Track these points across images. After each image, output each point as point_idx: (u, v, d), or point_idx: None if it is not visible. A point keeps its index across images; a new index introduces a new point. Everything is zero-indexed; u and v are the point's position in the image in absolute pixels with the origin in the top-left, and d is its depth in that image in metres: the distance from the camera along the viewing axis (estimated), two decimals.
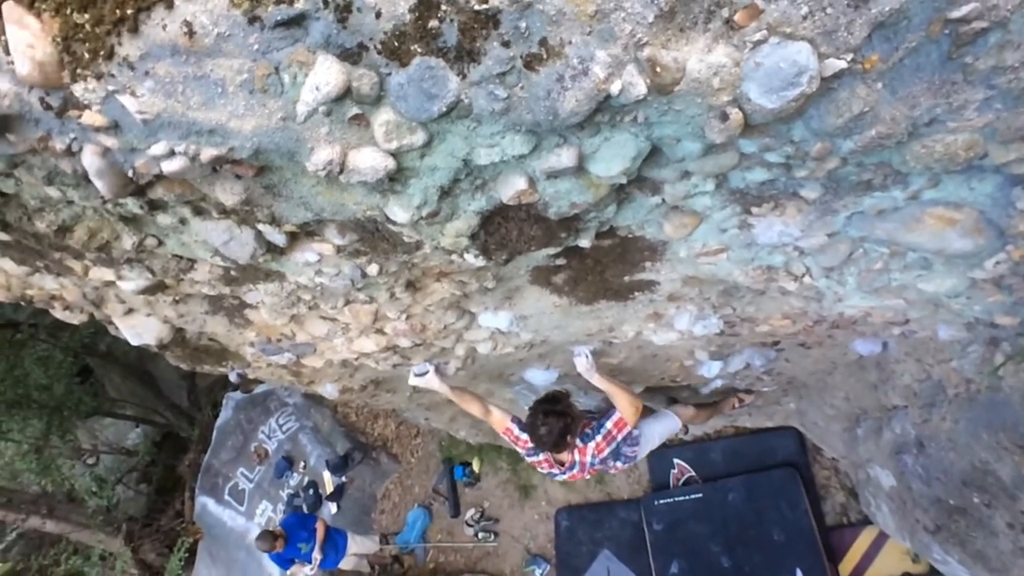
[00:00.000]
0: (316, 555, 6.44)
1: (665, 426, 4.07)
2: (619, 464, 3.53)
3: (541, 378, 4.08)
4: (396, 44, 1.31)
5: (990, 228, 1.84)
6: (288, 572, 7.28)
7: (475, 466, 7.87)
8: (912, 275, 2.20)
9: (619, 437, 3.33)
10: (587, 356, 3.31)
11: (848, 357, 3.79)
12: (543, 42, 1.33)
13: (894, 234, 1.96)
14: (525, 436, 3.26)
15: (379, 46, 1.31)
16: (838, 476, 5.98)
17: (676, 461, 6.50)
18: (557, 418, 3.03)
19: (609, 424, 3.31)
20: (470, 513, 7.67)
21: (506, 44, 1.32)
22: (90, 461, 11.50)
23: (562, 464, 3.36)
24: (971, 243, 1.89)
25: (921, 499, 3.84)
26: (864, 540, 5.71)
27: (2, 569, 3.64)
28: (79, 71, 1.27)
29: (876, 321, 2.74)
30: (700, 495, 6.11)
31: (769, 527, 5.71)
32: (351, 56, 1.33)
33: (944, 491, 3.58)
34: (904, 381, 3.59)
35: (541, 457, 3.37)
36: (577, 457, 3.31)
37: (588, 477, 3.51)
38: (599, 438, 3.31)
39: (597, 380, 3.27)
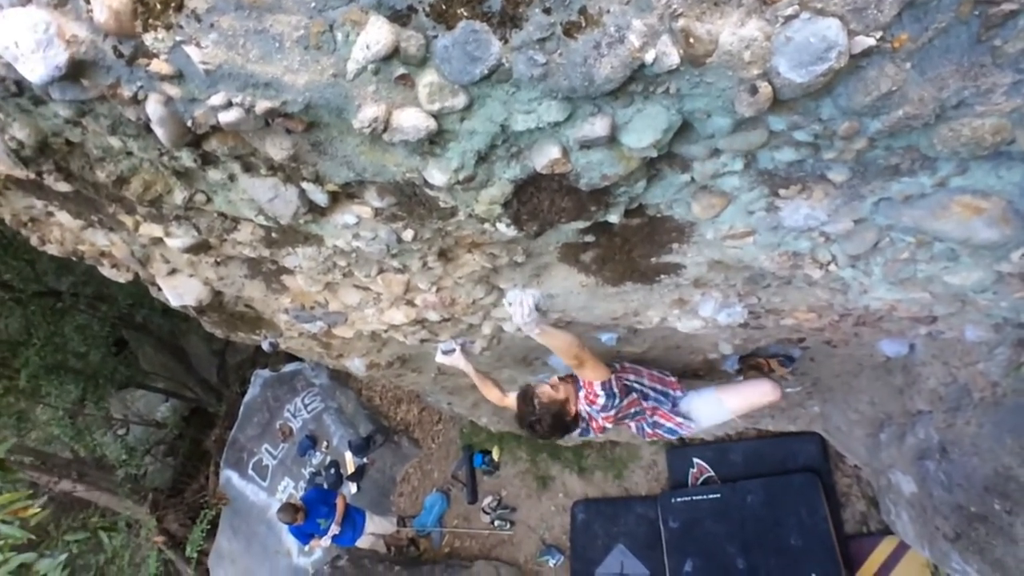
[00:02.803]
0: (334, 527, 6.60)
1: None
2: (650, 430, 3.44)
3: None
4: (444, 7, 1.39)
5: (1017, 218, 1.84)
6: (307, 547, 7.47)
7: (495, 454, 7.96)
8: (938, 266, 2.21)
9: (601, 396, 3.06)
10: (523, 303, 2.80)
11: (874, 359, 3.77)
12: (582, 10, 1.39)
13: (921, 222, 1.97)
14: None
15: (427, 9, 1.39)
16: (860, 484, 5.91)
17: (696, 460, 6.50)
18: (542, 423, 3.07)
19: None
20: (487, 501, 7.76)
21: (547, 11, 1.39)
22: (121, 431, 11.89)
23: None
24: (998, 233, 1.89)
25: (942, 506, 3.80)
26: (883, 551, 5.64)
27: (40, 516, 3.88)
28: (151, 21, 1.38)
29: (902, 316, 2.73)
30: (718, 495, 6.10)
31: (787, 531, 5.67)
32: (401, 18, 1.41)
33: (965, 498, 3.54)
34: (930, 385, 3.56)
35: None
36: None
37: (609, 427, 3.34)
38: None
39: (536, 334, 2.87)
